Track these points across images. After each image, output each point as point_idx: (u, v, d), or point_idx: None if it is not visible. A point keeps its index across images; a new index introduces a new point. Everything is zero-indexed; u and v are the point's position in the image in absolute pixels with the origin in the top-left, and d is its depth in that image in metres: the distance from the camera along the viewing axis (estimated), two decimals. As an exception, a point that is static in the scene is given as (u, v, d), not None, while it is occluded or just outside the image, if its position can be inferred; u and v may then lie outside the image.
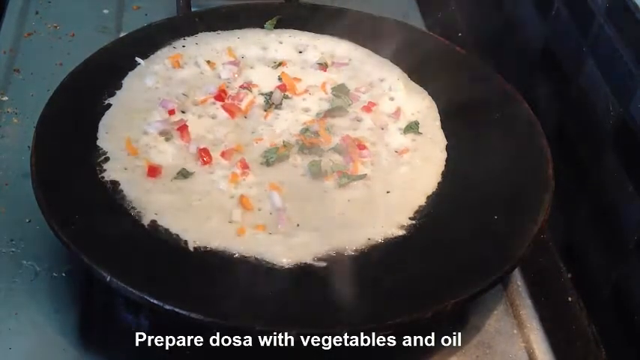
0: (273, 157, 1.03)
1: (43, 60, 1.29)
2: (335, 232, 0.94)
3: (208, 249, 0.92)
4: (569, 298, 1.08)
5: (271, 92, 1.13)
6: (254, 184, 1.00)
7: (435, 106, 1.13)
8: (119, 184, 0.98)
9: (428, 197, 1.00)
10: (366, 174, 1.02)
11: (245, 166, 1.02)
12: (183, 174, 1.00)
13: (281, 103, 1.12)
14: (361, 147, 1.05)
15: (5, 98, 1.22)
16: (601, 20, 1.07)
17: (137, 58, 1.15)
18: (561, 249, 1.14)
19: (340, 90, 1.14)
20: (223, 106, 1.10)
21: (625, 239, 0.98)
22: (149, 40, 1.19)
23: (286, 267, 0.90)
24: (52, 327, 0.93)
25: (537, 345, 0.96)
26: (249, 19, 1.24)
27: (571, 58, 1.15)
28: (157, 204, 0.96)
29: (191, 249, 0.91)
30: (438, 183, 1.02)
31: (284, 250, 0.91)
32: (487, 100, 1.11)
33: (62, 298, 0.96)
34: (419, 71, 1.17)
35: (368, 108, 1.12)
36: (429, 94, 1.15)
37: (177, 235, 0.93)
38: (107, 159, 1.00)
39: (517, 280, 1.03)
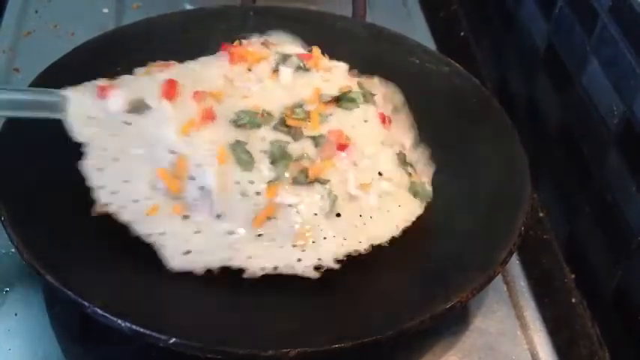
0: (243, 120, 0.89)
1: (42, 59, 1.28)
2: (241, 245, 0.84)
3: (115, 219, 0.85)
4: (573, 299, 1.08)
5: (289, 55, 0.98)
6: (206, 142, 0.86)
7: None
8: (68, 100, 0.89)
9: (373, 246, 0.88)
10: (329, 180, 0.87)
11: (209, 116, 0.87)
12: (138, 106, 0.89)
13: (295, 71, 0.97)
14: (341, 147, 0.89)
15: (5, 97, 1.21)
16: (604, 19, 1.06)
17: None
18: (565, 250, 1.14)
19: (367, 85, 0.99)
20: (228, 49, 0.98)
21: (628, 239, 0.98)
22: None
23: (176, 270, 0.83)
24: (52, 327, 0.92)
25: (541, 346, 0.95)
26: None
27: (574, 56, 1.15)
28: (93, 140, 0.88)
29: (97, 209, 0.86)
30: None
31: (179, 253, 0.82)
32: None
33: (62, 298, 0.95)
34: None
35: (382, 115, 0.96)
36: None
37: (93, 188, 0.87)
38: None
39: (520, 281, 1.03)
